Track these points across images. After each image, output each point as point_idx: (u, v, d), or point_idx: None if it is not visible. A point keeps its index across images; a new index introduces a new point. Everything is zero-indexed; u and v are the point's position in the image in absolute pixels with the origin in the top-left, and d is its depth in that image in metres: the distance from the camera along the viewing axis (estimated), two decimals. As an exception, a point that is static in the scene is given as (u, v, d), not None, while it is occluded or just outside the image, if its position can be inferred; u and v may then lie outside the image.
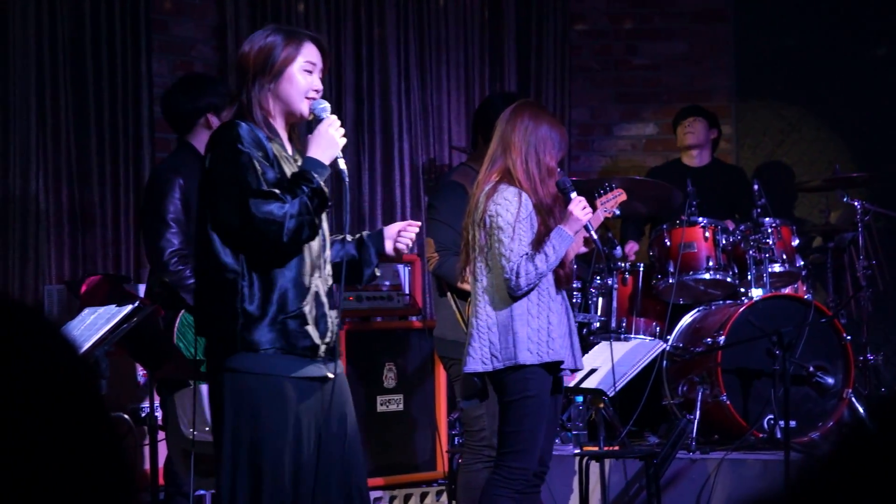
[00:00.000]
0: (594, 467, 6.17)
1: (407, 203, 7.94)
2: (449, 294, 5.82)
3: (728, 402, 6.68)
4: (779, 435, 6.48)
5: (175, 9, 7.33)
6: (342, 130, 4.19)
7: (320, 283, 4.18)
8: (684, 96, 8.63)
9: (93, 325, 4.73)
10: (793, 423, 6.27)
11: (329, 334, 4.17)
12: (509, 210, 4.86)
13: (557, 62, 8.82)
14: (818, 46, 8.62)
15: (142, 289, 6.04)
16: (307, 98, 4.19)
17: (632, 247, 7.70)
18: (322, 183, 4.08)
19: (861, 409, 6.87)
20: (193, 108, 5.64)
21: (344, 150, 4.23)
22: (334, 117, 4.20)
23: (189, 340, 5.43)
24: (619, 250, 6.04)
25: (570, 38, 8.98)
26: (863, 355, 7.14)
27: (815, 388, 6.85)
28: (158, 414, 5.24)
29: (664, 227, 7.19)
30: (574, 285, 5.21)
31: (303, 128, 4.39)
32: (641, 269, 7.34)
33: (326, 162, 4.13)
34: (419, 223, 4.46)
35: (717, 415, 6.76)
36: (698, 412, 6.68)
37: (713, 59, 8.93)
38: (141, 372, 5.94)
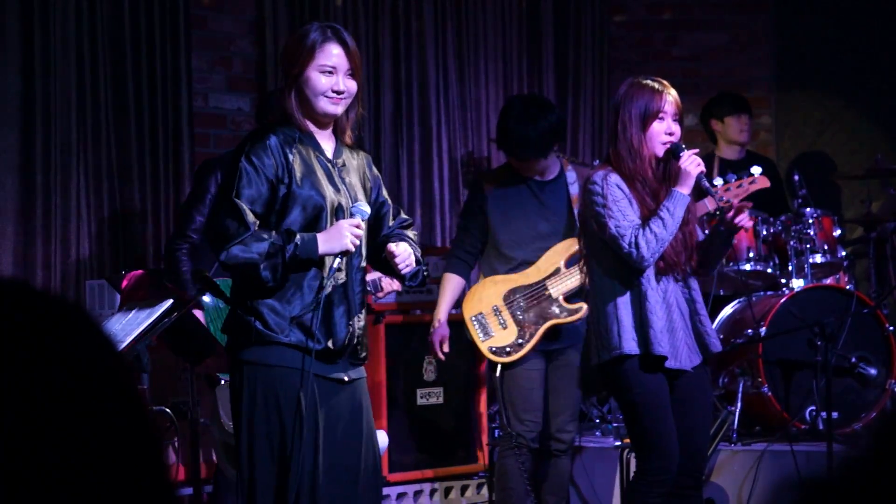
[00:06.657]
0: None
1: (446, 196, 7.93)
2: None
3: (769, 394, 6.65)
4: (821, 426, 6.44)
5: (214, 4, 7.35)
6: (358, 241, 4.11)
7: (337, 285, 4.17)
8: (724, 87, 8.57)
9: (134, 320, 4.75)
10: (835, 415, 6.24)
11: (342, 338, 4.18)
12: (599, 193, 4.77)
13: (596, 54, 8.79)
14: (859, 35, 8.55)
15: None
16: (326, 97, 4.16)
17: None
18: (294, 259, 4.04)
19: (904, 400, 6.83)
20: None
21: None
22: (360, 225, 4.14)
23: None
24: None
25: (609, 30, 8.95)
26: (905, 346, 7.09)
27: (857, 380, 6.81)
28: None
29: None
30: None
31: (355, 125, 4.36)
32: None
33: (321, 251, 4.07)
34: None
35: (758, 406, 6.74)
36: (739, 404, 6.65)
37: (753, 50, 8.88)
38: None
